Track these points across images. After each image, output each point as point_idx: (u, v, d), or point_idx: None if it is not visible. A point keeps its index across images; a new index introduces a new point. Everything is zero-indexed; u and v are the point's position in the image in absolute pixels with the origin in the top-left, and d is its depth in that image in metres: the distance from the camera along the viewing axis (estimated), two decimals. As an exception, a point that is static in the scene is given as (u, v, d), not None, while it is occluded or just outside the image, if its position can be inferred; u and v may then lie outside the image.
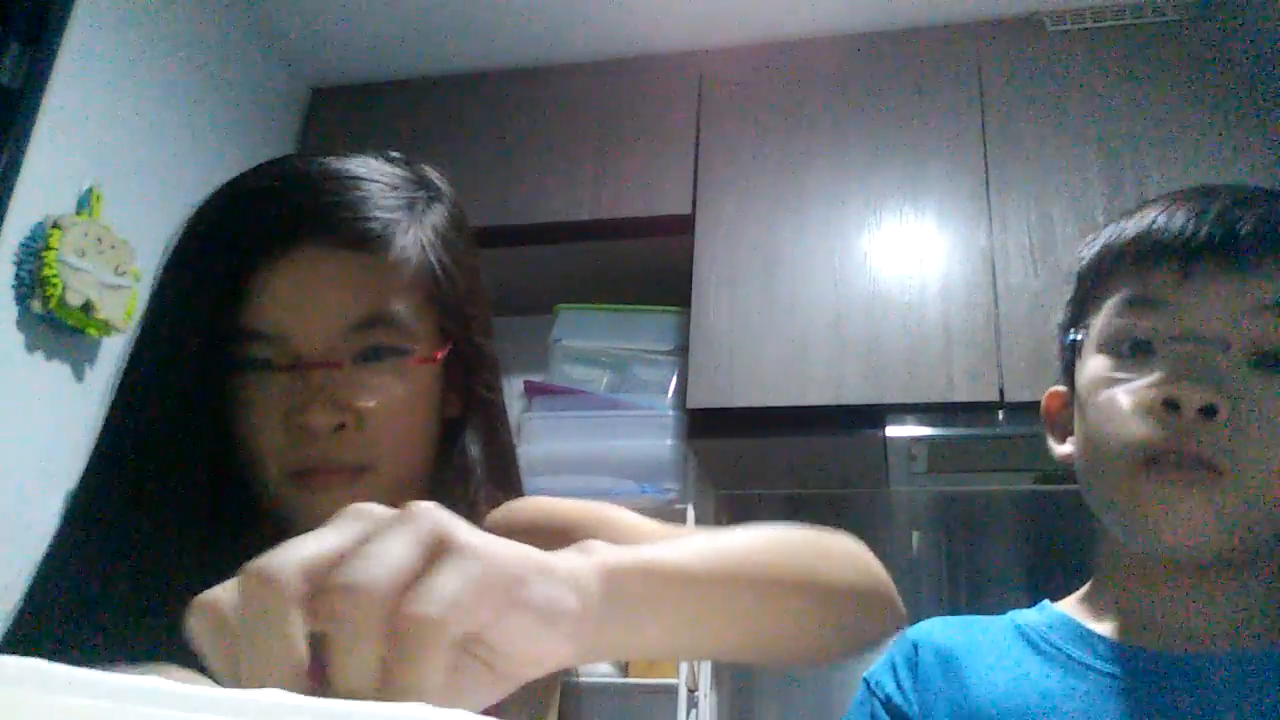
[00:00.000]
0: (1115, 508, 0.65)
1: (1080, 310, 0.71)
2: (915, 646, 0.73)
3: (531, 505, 0.66)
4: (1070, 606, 0.73)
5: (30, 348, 1.66)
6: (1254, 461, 0.59)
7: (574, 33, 2.22)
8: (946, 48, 2.10)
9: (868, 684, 0.74)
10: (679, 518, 1.87)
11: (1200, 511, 0.59)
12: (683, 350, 2.01)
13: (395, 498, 0.60)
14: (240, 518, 0.60)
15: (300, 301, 0.60)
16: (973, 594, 2.10)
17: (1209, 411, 0.59)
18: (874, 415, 1.87)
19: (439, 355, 0.65)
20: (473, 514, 0.68)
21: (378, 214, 0.62)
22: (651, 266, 2.16)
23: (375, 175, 0.65)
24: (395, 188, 0.65)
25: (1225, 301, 0.62)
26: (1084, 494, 0.69)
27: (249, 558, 0.31)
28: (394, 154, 0.69)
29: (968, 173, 1.98)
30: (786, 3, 2.11)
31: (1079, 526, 0.69)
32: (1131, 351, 0.65)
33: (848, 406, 1.86)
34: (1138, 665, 0.64)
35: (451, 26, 2.23)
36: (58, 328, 1.68)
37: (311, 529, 0.58)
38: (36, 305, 1.63)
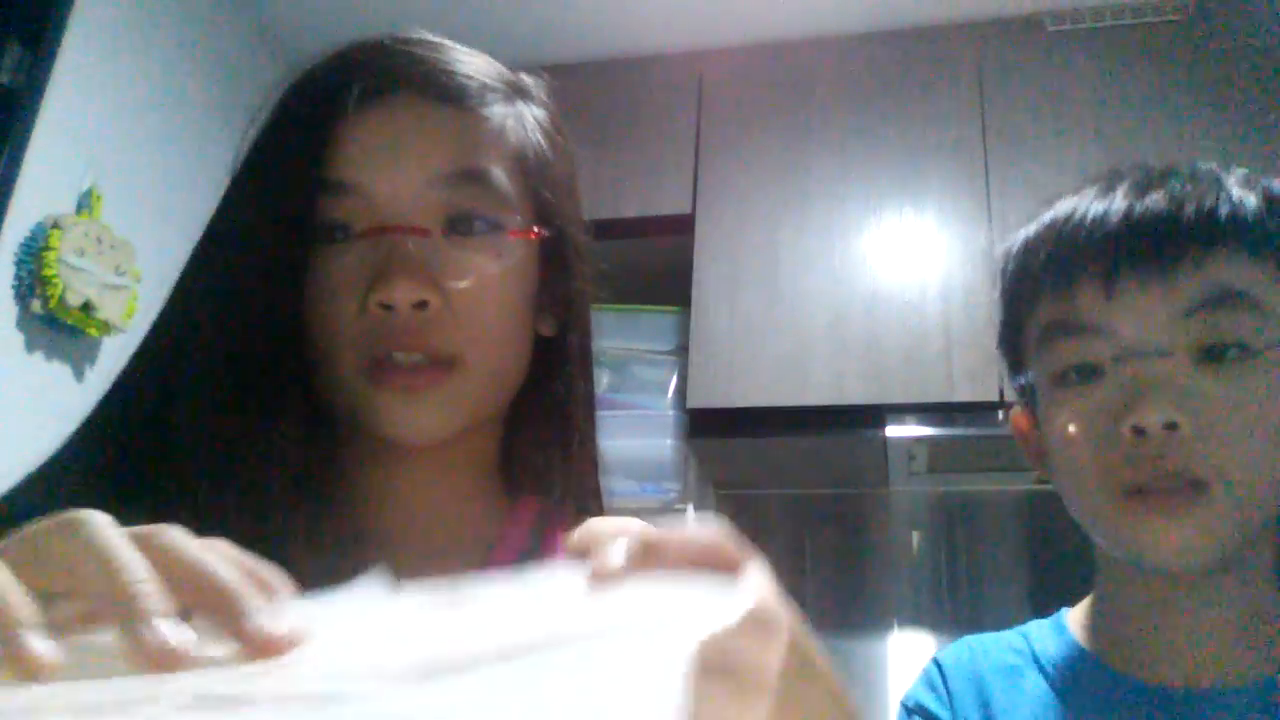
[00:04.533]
0: (1103, 532, 0.66)
1: (1015, 337, 0.72)
2: (940, 667, 0.75)
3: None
4: (1079, 625, 0.73)
5: (30, 348, 1.66)
6: (1230, 459, 0.59)
7: (574, 33, 2.22)
8: (946, 48, 2.10)
9: (906, 708, 0.75)
10: (679, 518, 1.87)
11: (1192, 530, 0.59)
12: (683, 350, 2.01)
13: (481, 405, 0.56)
14: (304, 423, 0.52)
15: (385, 150, 0.54)
16: (973, 594, 2.10)
17: (1172, 427, 0.59)
18: (874, 415, 1.86)
19: (539, 232, 0.58)
20: (565, 465, 0.63)
21: (477, 77, 0.59)
22: (651, 266, 2.16)
23: (478, 56, 0.63)
24: (499, 69, 0.63)
25: (1156, 311, 0.61)
26: (1070, 512, 0.69)
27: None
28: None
29: (968, 173, 1.98)
30: (786, 3, 2.11)
31: (1078, 527, 0.70)
32: (1080, 378, 0.64)
33: (848, 406, 1.86)
34: (1144, 702, 0.64)
35: (451, 27, 2.22)
36: (58, 328, 1.68)
37: (387, 434, 0.52)
38: (36, 305, 1.63)
